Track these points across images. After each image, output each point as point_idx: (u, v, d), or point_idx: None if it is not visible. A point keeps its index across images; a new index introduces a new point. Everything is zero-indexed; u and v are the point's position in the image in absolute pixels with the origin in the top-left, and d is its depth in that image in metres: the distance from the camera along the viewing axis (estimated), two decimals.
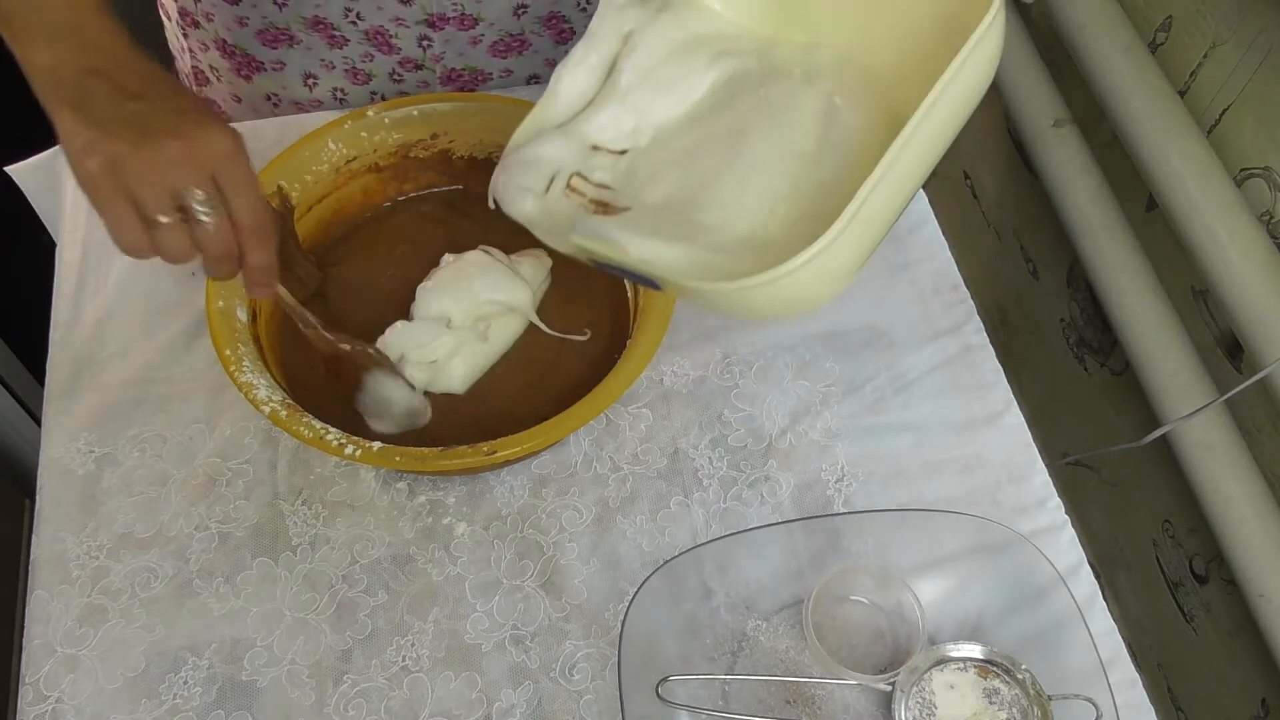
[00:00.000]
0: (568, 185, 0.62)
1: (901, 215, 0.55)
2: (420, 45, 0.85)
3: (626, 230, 0.57)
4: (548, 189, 0.61)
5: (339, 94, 0.90)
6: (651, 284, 0.56)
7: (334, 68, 0.87)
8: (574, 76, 0.63)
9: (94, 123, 0.52)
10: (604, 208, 0.61)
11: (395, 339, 0.70)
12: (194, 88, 0.94)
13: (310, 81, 0.88)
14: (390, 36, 0.84)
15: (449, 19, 0.83)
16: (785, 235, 0.56)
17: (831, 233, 0.48)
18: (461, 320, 0.70)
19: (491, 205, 0.62)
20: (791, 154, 0.58)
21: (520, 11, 0.85)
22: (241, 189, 0.55)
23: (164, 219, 0.53)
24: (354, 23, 0.83)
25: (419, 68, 0.87)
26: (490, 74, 0.90)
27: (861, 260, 0.52)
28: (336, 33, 0.84)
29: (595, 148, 0.63)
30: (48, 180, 0.84)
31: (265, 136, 0.86)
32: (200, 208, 0.54)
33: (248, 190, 0.55)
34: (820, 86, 0.60)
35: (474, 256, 0.73)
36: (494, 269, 0.72)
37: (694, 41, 0.63)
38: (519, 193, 0.61)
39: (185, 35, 0.89)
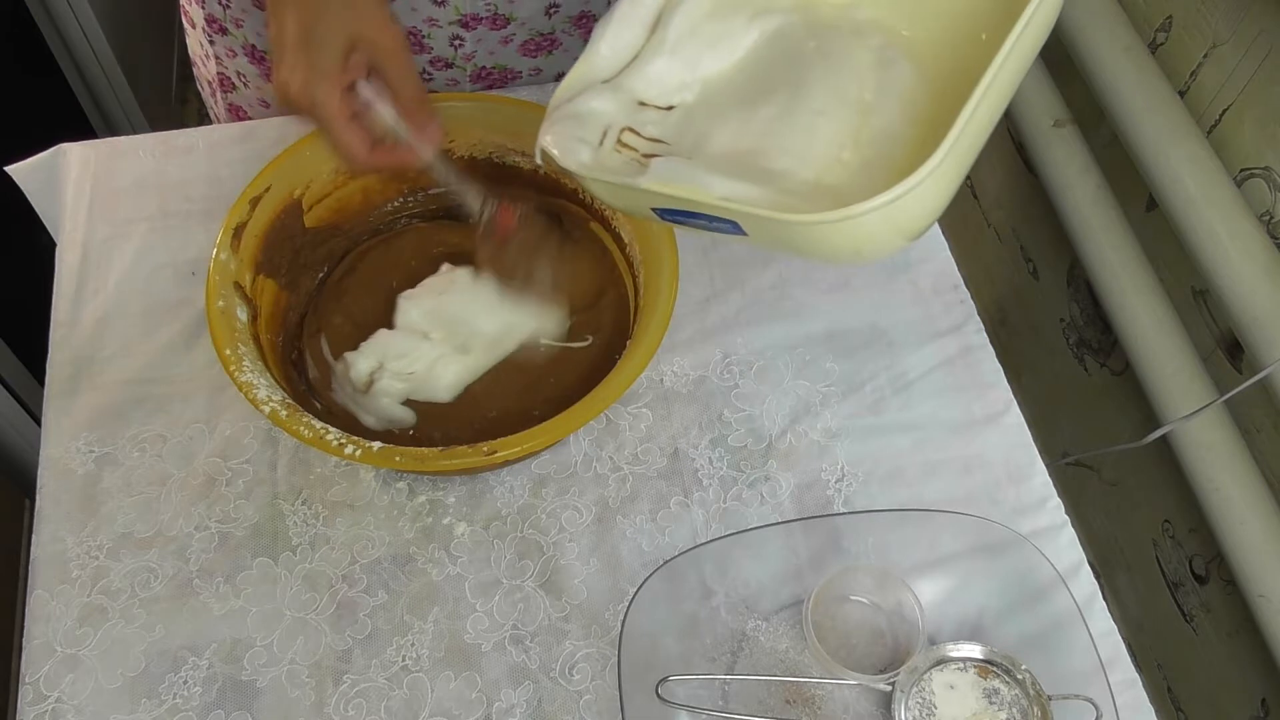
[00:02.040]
0: (618, 140, 0.61)
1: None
2: (452, 45, 0.85)
3: (706, 171, 0.56)
4: (600, 143, 0.61)
5: None
6: (729, 227, 0.53)
7: None
8: (618, 32, 0.63)
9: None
10: (661, 158, 0.60)
11: (376, 346, 0.70)
12: (220, 94, 0.94)
13: None
14: (423, 37, 0.84)
15: (481, 19, 0.84)
16: (853, 181, 0.56)
17: (936, 157, 0.46)
18: (441, 334, 0.70)
19: (539, 160, 0.61)
20: (851, 103, 0.58)
21: (552, 11, 0.85)
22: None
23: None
24: None
25: (449, 66, 0.88)
26: (520, 72, 0.91)
27: (948, 197, 0.51)
28: None
29: (642, 104, 0.62)
30: (48, 180, 0.84)
31: (265, 136, 0.86)
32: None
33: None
34: (870, 40, 0.60)
35: (460, 276, 0.72)
36: (475, 294, 0.71)
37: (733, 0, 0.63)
38: (575, 143, 0.60)
39: (211, 42, 0.89)
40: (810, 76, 0.60)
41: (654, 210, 0.57)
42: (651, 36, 0.63)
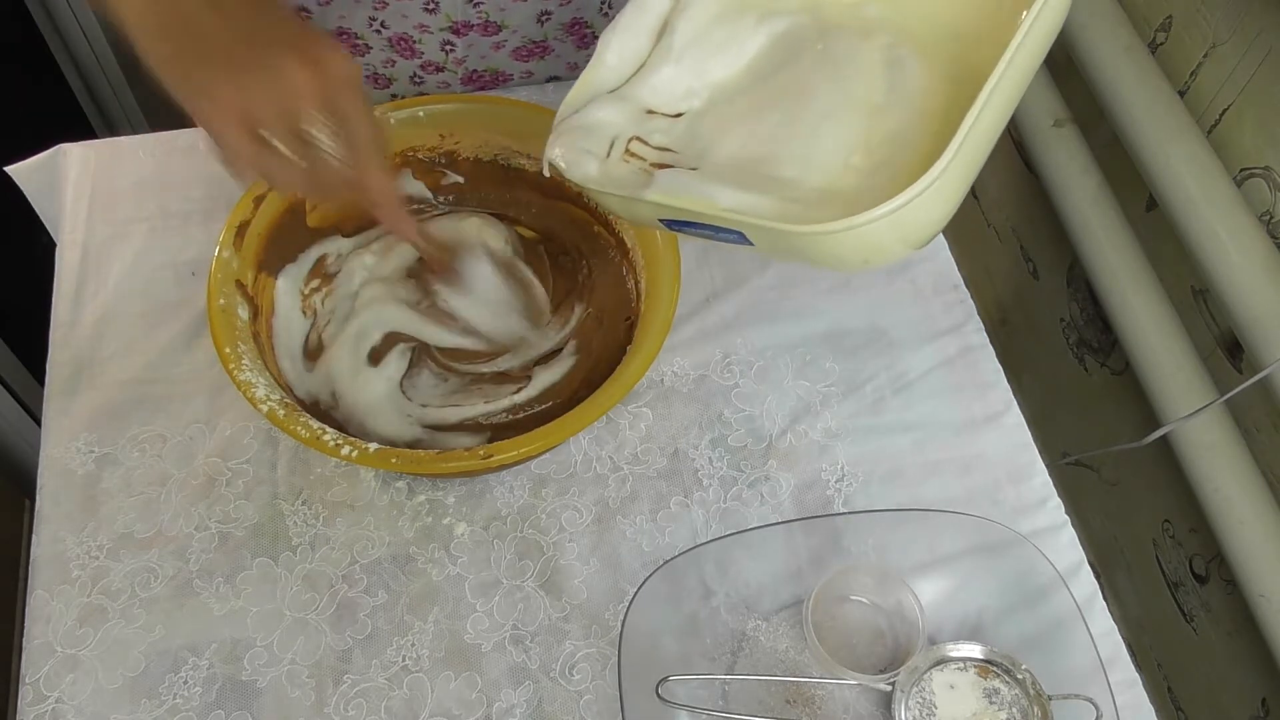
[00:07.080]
0: (626, 150, 0.61)
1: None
2: (443, 49, 0.85)
3: (711, 182, 0.55)
4: (608, 154, 0.61)
5: None
6: (735, 237, 0.54)
7: None
8: (624, 41, 0.62)
9: (201, 48, 0.50)
10: (666, 170, 0.60)
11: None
12: None
13: None
14: (414, 42, 0.84)
15: (473, 26, 0.83)
16: (865, 185, 0.55)
17: (940, 164, 0.46)
18: None
19: (546, 173, 0.61)
20: (859, 105, 0.58)
21: (544, 18, 0.85)
22: (361, 116, 0.53)
23: (282, 147, 0.51)
24: (378, 31, 0.83)
25: (440, 70, 0.88)
26: (511, 75, 0.91)
27: (955, 203, 0.51)
28: (360, 41, 0.84)
29: (650, 112, 0.62)
30: (48, 180, 0.84)
31: None
32: (322, 137, 0.52)
33: (366, 117, 0.54)
34: (878, 39, 0.59)
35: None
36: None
37: (741, 2, 0.63)
38: (582, 156, 0.60)
39: None
40: (818, 81, 0.59)
41: (661, 220, 0.57)
42: (658, 44, 0.62)
